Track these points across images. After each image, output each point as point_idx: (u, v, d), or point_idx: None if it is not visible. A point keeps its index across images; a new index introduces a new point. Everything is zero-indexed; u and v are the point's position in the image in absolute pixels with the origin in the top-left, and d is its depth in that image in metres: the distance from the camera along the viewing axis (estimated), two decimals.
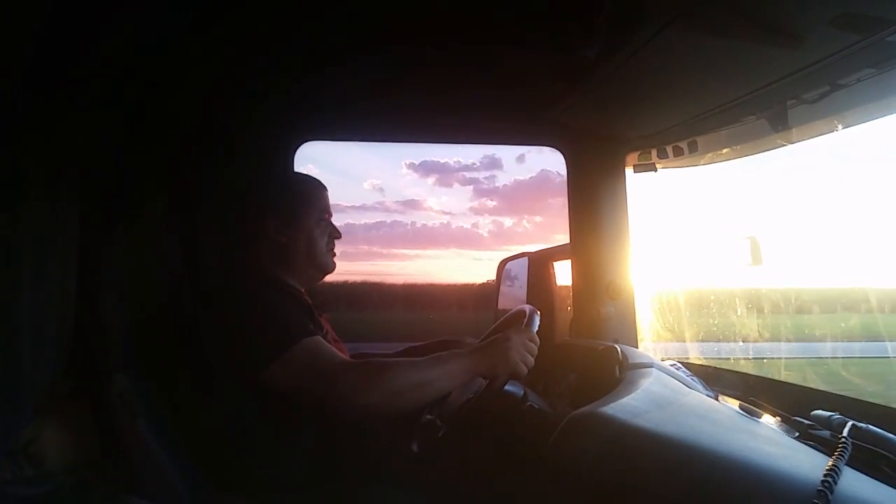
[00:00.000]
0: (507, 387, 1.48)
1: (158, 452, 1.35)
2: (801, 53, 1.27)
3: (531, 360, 1.44)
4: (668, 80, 1.58)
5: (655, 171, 2.18)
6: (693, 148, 2.00)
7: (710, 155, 2.01)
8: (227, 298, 1.53)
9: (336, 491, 1.41)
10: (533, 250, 2.48)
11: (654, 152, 2.13)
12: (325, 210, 1.68)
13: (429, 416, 1.37)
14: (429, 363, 1.40)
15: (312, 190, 1.69)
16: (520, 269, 2.50)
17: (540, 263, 2.40)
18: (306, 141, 2.09)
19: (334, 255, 1.69)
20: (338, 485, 1.41)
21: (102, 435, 1.34)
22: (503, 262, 2.71)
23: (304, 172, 1.84)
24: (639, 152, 2.15)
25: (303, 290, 1.65)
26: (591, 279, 2.15)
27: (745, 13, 1.19)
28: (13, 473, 1.14)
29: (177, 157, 1.87)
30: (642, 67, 1.46)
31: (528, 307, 1.61)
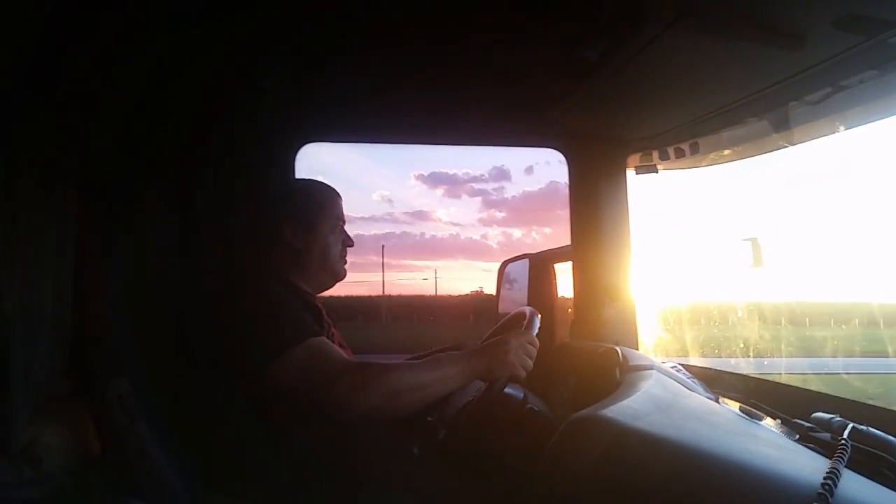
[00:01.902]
0: (507, 389, 1.47)
1: (158, 455, 1.35)
2: (803, 55, 1.27)
3: (530, 363, 1.43)
4: (669, 82, 1.58)
5: (657, 172, 2.17)
6: (695, 149, 1.99)
7: (711, 156, 2.01)
8: (235, 295, 1.54)
9: (335, 494, 1.41)
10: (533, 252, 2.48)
11: (655, 154, 2.12)
12: (340, 218, 1.70)
13: (430, 419, 1.36)
14: (426, 366, 1.40)
15: (329, 197, 1.70)
16: (520, 270, 2.50)
17: (541, 265, 2.39)
18: (307, 142, 2.09)
19: (346, 262, 1.71)
20: (337, 488, 1.41)
21: (102, 437, 1.34)
22: (504, 264, 2.70)
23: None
24: (640, 154, 2.15)
25: (313, 295, 1.66)
26: (592, 281, 2.15)
27: (747, 14, 1.19)
28: (13, 475, 1.13)
29: (177, 158, 1.87)
30: (644, 68, 1.45)
31: (528, 309, 1.61)
